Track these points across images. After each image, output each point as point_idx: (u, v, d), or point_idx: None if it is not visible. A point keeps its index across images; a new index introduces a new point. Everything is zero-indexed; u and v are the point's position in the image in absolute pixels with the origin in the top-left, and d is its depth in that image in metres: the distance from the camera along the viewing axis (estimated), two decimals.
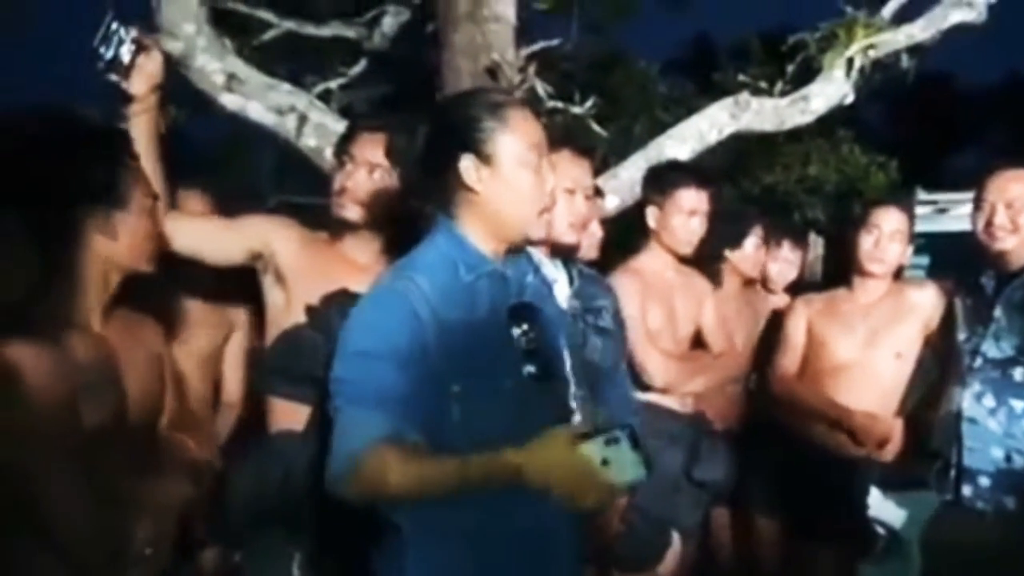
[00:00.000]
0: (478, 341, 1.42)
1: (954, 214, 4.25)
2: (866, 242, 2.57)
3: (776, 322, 2.82)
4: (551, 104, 4.30)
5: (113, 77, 1.87)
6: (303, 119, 3.14)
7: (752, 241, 2.99)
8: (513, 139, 1.43)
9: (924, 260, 3.53)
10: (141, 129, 1.84)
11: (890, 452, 2.53)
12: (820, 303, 2.69)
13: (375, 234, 2.00)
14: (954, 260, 2.54)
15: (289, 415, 1.92)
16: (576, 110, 4.60)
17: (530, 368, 1.43)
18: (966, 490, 2.17)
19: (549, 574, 1.46)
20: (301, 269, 1.99)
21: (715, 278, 2.88)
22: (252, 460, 2.05)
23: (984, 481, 2.15)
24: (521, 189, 1.44)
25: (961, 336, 2.28)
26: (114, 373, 1.49)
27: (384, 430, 1.35)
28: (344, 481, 1.37)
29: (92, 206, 1.49)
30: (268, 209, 2.68)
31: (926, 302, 2.50)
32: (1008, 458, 2.13)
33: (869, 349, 2.56)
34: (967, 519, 2.20)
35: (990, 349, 2.20)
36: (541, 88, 3.99)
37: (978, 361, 2.21)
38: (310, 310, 1.92)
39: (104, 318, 1.53)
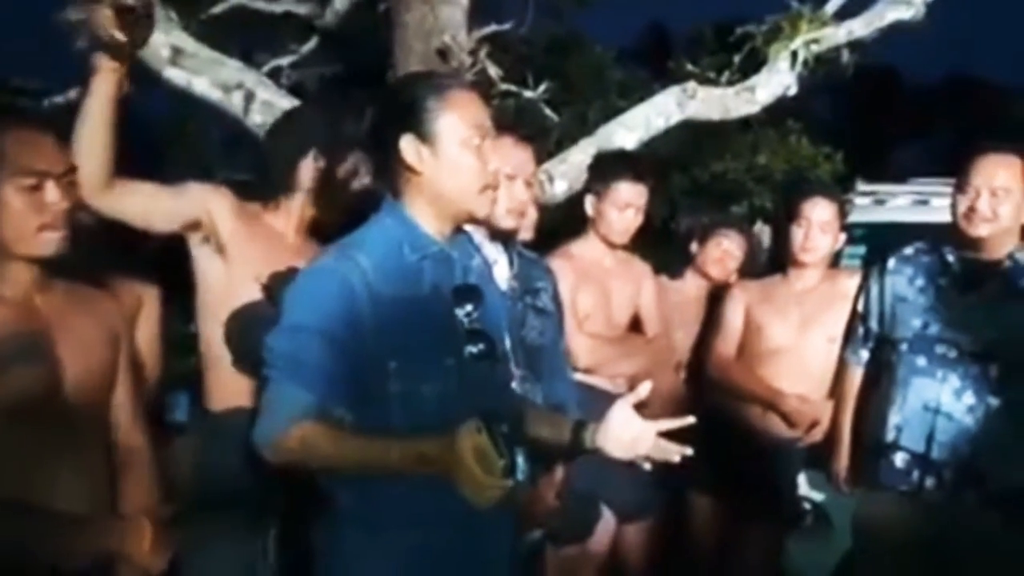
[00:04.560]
0: (419, 320, 1.45)
1: (891, 205, 4.37)
2: (797, 234, 2.64)
3: (715, 308, 2.89)
4: (504, 87, 4.31)
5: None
6: (250, 96, 3.11)
7: (718, 242, 3.05)
8: (455, 120, 1.45)
9: (861, 250, 3.63)
10: (104, 92, 1.78)
11: (819, 433, 2.62)
12: (757, 289, 2.76)
13: (302, 211, 2.05)
14: (892, 250, 2.61)
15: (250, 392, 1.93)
16: (529, 94, 4.62)
17: (473, 348, 1.47)
18: (928, 483, 2.19)
19: (486, 547, 1.49)
20: (241, 240, 2.00)
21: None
22: (213, 438, 2.06)
23: (948, 475, 2.18)
24: (462, 169, 1.46)
25: (916, 322, 2.28)
26: (45, 345, 1.48)
27: (310, 405, 1.40)
28: (267, 451, 1.43)
29: None
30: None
31: (857, 289, 2.57)
32: (977, 454, 2.16)
33: (802, 334, 2.64)
34: (893, 500, 2.28)
35: (966, 341, 2.20)
36: (493, 71, 3.99)
37: (952, 352, 2.21)
38: (266, 287, 1.94)
39: (42, 291, 1.51)
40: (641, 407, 2.63)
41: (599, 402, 2.43)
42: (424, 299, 1.47)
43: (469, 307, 1.48)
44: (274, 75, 3.74)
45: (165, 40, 3.00)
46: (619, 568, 2.69)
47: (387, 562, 1.44)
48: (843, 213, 2.71)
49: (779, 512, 2.65)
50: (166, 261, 2.17)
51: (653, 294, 2.71)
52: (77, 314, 1.55)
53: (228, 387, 2.03)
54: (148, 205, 1.93)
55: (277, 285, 1.88)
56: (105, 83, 1.76)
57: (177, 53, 3.03)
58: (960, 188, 2.24)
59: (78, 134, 1.76)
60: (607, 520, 2.59)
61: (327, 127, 2.15)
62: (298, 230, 2.12)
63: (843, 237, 2.73)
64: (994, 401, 2.16)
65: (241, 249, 2.00)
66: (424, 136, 1.46)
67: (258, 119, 3.11)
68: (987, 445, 2.15)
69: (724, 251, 3.06)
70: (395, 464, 1.37)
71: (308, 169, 2.10)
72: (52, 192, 1.46)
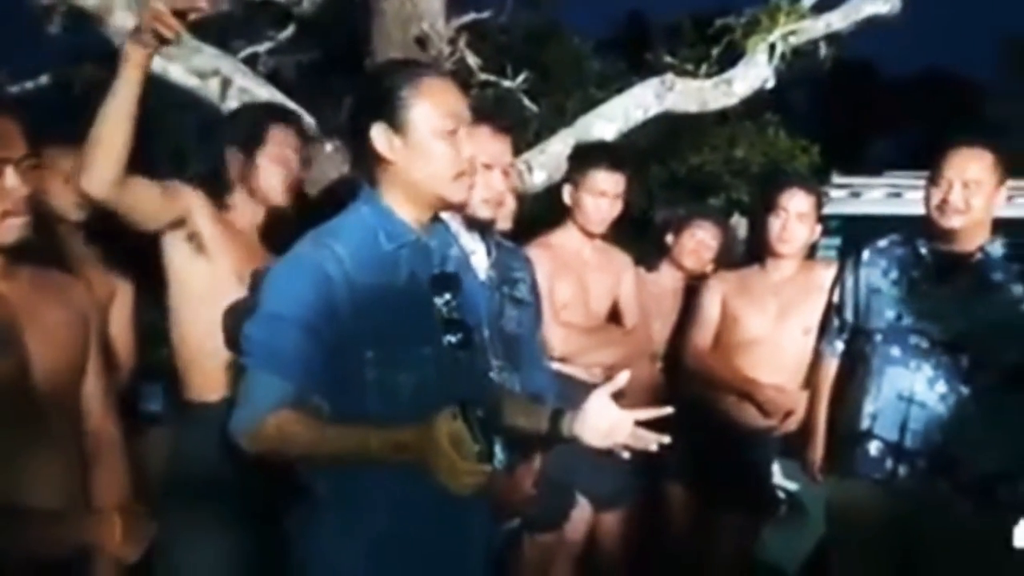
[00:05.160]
0: (396, 309, 1.45)
1: (867, 198, 4.42)
2: (774, 224, 2.66)
3: (692, 299, 2.90)
4: (482, 77, 4.29)
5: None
6: (227, 83, 3.07)
7: (693, 233, 3.06)
8: (427, 108, 1.45)
9: (837, 241, 3.66)
10: (134, 83, 1.77)
11: (794, 423, 2.64)
12: (734, 280, 2.78)
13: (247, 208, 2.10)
14: (866, 242, 2.63)
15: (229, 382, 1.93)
16: (508, 84, 4.61)
17: (451, 337, 1.47)
18: (902, 471, 2.23)
19: (462, 534, 1.49)
20: (220, 239, 2.02)
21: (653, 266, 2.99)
22: (190, 428, 2.05)
23: (921, 463, 2.21)
24: (434, 157, 1.46)
25: (890, 313, 2.31)
26: (11, 334, 1.46)
27: (287, 393, 1.40)
28: (244, 439, 1.43)
29: None
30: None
31: (832, 281, 2.60)
32: (949, 442, 2.20)
33: (778, 325, 2.66)
34: (867, 488, 2.31)
35: (938, 332, 2.23)
36: (472, 60, 3.98)
37: (925, 343, 2.25)
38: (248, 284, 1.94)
39: (7, 278, 1.49)
40: (618, 397, 2.65)
41: (575, 392, 2.46)
42: (401, 288, 1.47)
43: (447, 296, 1.48)
44: (251, 62, 3.69)
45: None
46: (595, 556, 2.71)
47: (363, 548, 1.45)
48: (820, 205, 2.73)
49: (754, 501, 2.68)
50: (142, 252, 2.16)
51: (633, 286, 2.72)
52: (44, 301, 1.53)
53: (208, 378, 2.02)
54: (147, 202, 1.94)
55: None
56: (136, 74, 1.75)
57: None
58: (933, 181, 2.27)
59: (99, 126, 1.76)
60: (583, 508, 2.61)
61: (251, 124, 2.15)
62: (254, 227, 2.15)
63: (819, 229, 2.75)
64: (965, 390, 2.19)
65: (222, 247, 2.04)
66: (396, 125, 1.46)
67: (235, 106, 3.07)
68: (959, 433, 2.18)
69: (699, 242, 3.08)
70: (373, 452, 1.37)
71: (234, 167, 2.12)
72: (12, 178, 1.44)
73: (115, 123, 1.76)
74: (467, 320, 1.51)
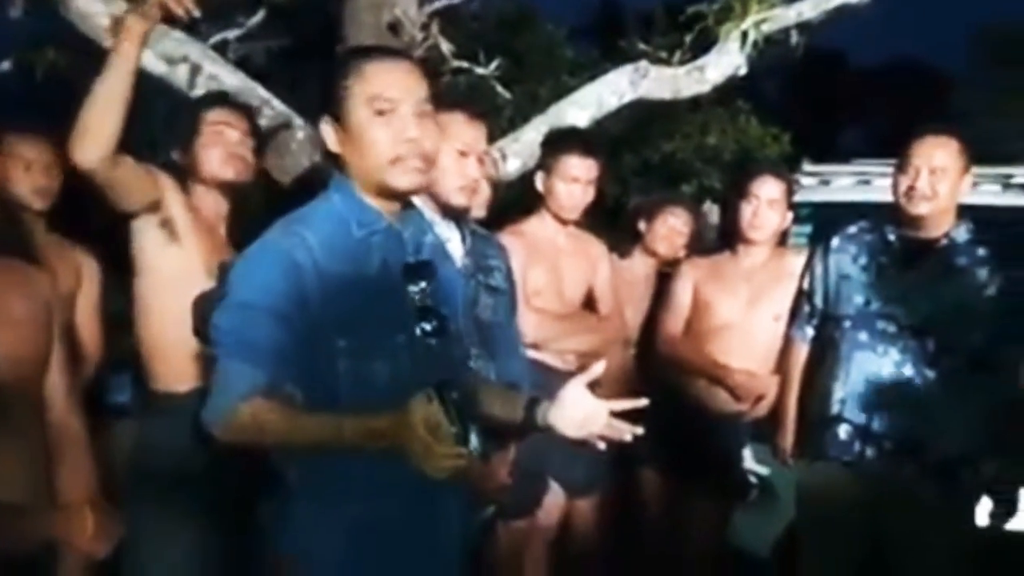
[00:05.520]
0: (368, 297, 1.44)
1: (836, 186, 4.46)
2: (746, 211, 2.68)
3: (664, 285, 2.92)
4: (455, 64, 4.26)
5: None
6: (196, 69, 3.02)
7: (665, 219, 3.06)
8: (359, 95, 1.43)
9: (807, 229, 3.69)
10: (133, 54, 1.77)
11: (765, 408, 2.67)
12: (705, 267, 2.80)
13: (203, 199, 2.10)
14: (836, 229, 2.66)
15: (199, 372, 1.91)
16: (481, 71, 4.58)
17: (425, 325, 1.46)
18: (870, 453, 2.27)
19: (437, 521, 1.49)
20: (193, 230, 2.00)
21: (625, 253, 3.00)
22: (160, 419, 2.03)
23: (889, 446, 2.25)
24: (366, 143, 1.44)
25: (859, 299, 2.34)
26: None
27: (259, 382, 1.39)
28: (217, 429, 1.42)
29: None
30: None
31: (803, 267, 2.62)
32: (915, 425, 2.23)
33: (750, 311, 2.68)
34: (836, 470, 2.34)
35: (905, 317, 2.27)
36: (445, 46, 3.95)
37: (892, 327, 2.28)
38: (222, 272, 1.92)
39: None
40: (593, 385, 2.65)
41: (549, 379, 2.46)
42: (373, 276, 1.45)
43: (421, 284, 1.47)
44: (221, 48, 3.64)
45: (104, 9, 2.89)
46: (569, 543, 2.72)
47: (337, 536, 1.44)
48: (791, 192, 2.75)
49: (726, 486, 2.70)
50: (108, 240, 2.13)
51: (608, 273, 2.72)
52: (6, 292, 1.49)
53: (175, 368, 2.00)
54: (132, 180, 1.93)
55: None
56: (134, 49, 1.74)
57: (117, 23, 2.93)
58: (901, 168, 2.30)
59: (93, 99, 1.74)
60: (557, 495, 2.62)
61: (188, 119, 2.16)
62: (220, 218, 2.14)
63: (791, 216, 2.77)
64: (931, 374, 2.23)
65: (193, 236, 2.03)
66: (338, 117, 1.45)
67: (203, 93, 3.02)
68: (925, 416, 2.22)
69: (671, 228, 3.09)
70: (348, 439, 1.36)
71: (183, 161, 2.12)
72: None
73: (110, 97, 1.75)
74: (442, 308, 1.50)
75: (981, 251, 2.30)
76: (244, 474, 1.78)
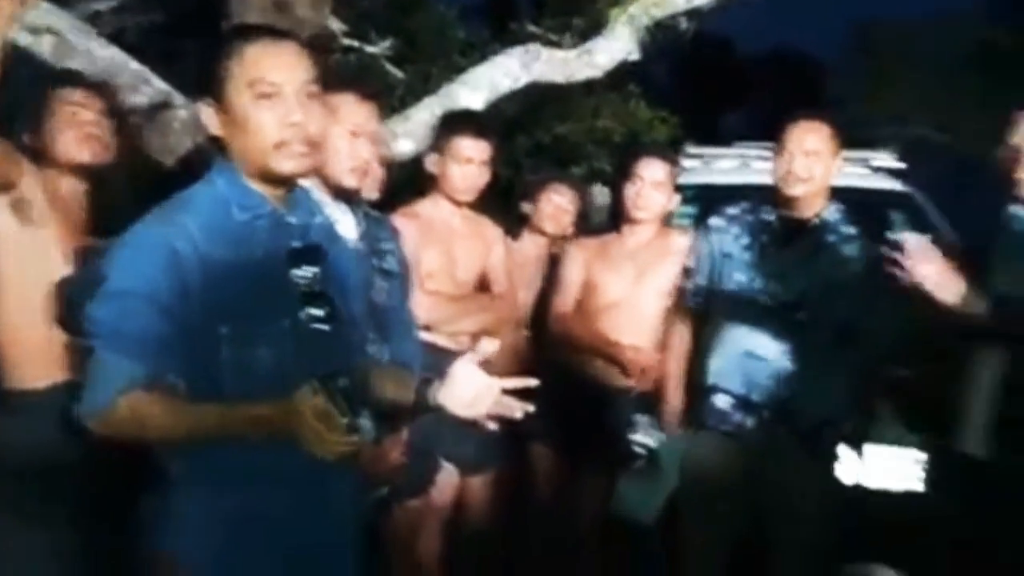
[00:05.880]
0: (251, 283, 1.40)
1: (719, 168, 4.64)
2: (631, 191, 2.75)
3: (555, 265, 2.96)
4: (346, 43, 4.19)
5: None
6: (63, 42, 2.86)
7: (549, 197, 3.09)
8: (240, 78, 1.40)
9: (691, 209, 3.82)
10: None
11: (652, 381, 2.77)
12: (593, 246, 2.86)
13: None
14: (719, 210, 2.76)
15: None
16: (372, 50, 4.52)
17: (313, 311, 1.43)
18: (748, 423, 2.38)
19: (327, 505, 1.48)
20: (50, 213, 1.91)
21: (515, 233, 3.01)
22: (16, 417, 1.92)
23: (765, 415, 2.37)
24: (249, 127, 1.41)
25: (739, 277, 2.45)
26: None
27: (137, 374, 1.35)
28: (95, 424, 1.37)
29: None
30: None
31: (687, 247, 2.72)
32: (789, 394, 2.35)
33: (636, 288, 2.76)
34: (717, 440, 2.46)
35: (781, 292, 2.38)
36: (336, 25, 3.88)
37: (769, 303, 2.39)
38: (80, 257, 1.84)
39: None
40: (485, 365, 2.68)
41: (442, 361, 2.47)
42: (256, 261, 1.42)
43: (309, 269, 1.44)
44: (93, 20, 3.45)
45: None
46: (464, 520, 2.76)
47: (224, 527, 1.41)
48: (676, 173, 2.84)
49: (614, 458, 2.78)
50: None
51: (502, 255, 2.74)
52: None
53: (32, 363, 1.91)
54: None
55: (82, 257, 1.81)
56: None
57: None
58: (778, 152, 2.42)
59: None
60: (450, 474, 2.65)
61: (36, 99, 2.06)
62: (77, 202, 2.05)
63: (677, 197, 2.87)
64: (803, 345, 2.36)
65: (48, 219, 1.92)
66: (219, 99, 1.42)
67: (73, 67, 2.87)
68: (797, 385, 2.35)
69: (556, 206, 3.09)
70: (234, 428, 1.34)
71: (35, 144, 2.02)
72: None
73: None
74: (332, 293, 1.48)
75: (849, 230, 2.45)
76: (115, 471, 1.71)
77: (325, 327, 1.43)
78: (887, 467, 2.86)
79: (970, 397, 2.10)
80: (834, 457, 2.47)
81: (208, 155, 1.56)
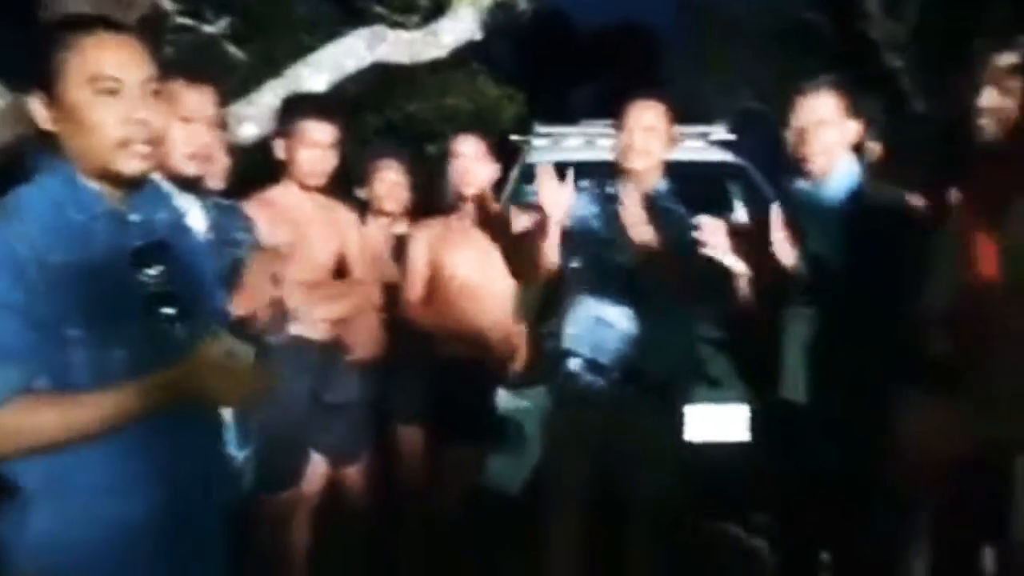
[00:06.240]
0: (97, 284, 1.35)
1: (567, 146, 4.79)
2: (455, 169, 2.82)
3: (403, 250, 2.91)
4: (179, 21, 4.02)
5: None
6: None
7: (382, 176, 2.99)
8: (84, 72, 1.35)
9: None
10: None
11: (510, 354, 2.85)
12: (436, 228, 2.88)
13: None
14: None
15: None
16: (209, 29, 4.35)
17: (165, 310, 1.39)
18: (600, 384, 2.50)
19: (191, 507, 1.44)
20: None
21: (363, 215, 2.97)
22: None
23: (615, 376, 2.49)
24: (87, 125, 1.36)
25: (587, 247, 2.54)
26: None
27: (14, 382, 1.29)
28: None
29: None
30: None
31: (531, 223, 2.80)
32: (636, 354, 2.48)
33: (484, 267, 2.81)
34: (573, 402, 2.58)
35: (626, 259, 2.51)
36: (167, 4, 3.71)
37: (614, 270, 2.51)
38: None
39: None
40: (346, 351, 2.68)
41: (296, 348, 2.45)
42: (98, 263, 1.36)
43: (155, 268, 1.39)
44: None
45: None
46: (337, 509, 2.76)
47: (84, 539, 1.35)
48: (497, 147, 2.88)
49: (481, 433, 2.85)
50: None
51: (357, 239, 2.73)
52: None
53: None
54: None
55: None
56: None
57: None
58: (619, 129, 2.56)
59: None
60: (318, 464, 2.64)
61: None
62: None
63: (497, 168, 2.89)
64: (646, 308, 2.52)
65: None
66: (50, 93, 1.36)
67: None
68: (643, 346, 2.51)
69: (391, 184, 3.00)
70: (134, 406, 1.31)
71: None
72: None
73: None
74: (182, 290, 1.43)
75: (678, 202, 2.62)
76: None
77: (179, 326, 1.40)
78: (719, 421, 3.11)
79: (786, 351, 2.30)
80: (679, 413, 2.65)
81: (33, 148, 1.48)
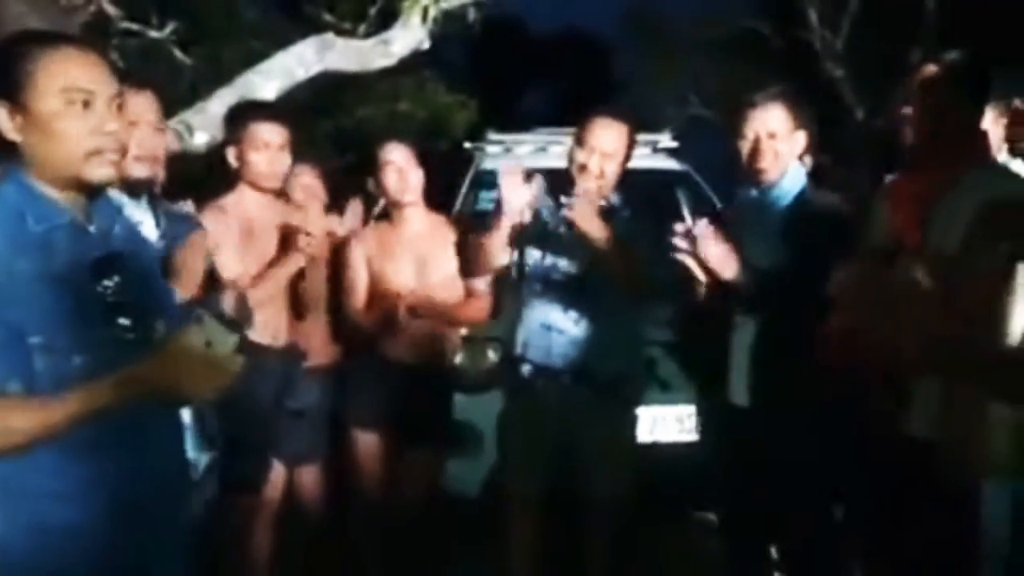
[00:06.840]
0: (57, 294, 1.36)
1: (519, 154, 4.82)
2: (387, 178, 2.77)
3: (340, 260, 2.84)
4: (124, 26, 3.96)
5: None
6: None
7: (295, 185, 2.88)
8: (55, 85, 1.36)
9: (495, 194, 3.95)
10: None
11: (470, 322, 2.83)
12: (372, 238, 2.84)
13: None
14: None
15: None
16: (155, 34, 4.29)
17: (121, 321, 1.41)
18: (551, 388, 2.54)
19: (151, 512, 1.45)
20: None
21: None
22: None
23: (567, 379, 2.54)
24: (57, 136, 1.38)
25: (537, 254, 2.60)
26: None
27: None
28: None
29: None
30: None
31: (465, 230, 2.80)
32: (585, 356, 2.53)
33: (423, 276, 2.79)
34: (527, 406, 2.61)
35: (573, 266, 2.55)
36: (110, 9, 3.66)
37: (560, 277, 2.55)
38: None
39: None
40: (302, 356, 2.67)
41: (257, 356, 2.43)
42: (58, 272, 1.37)
43: (111, 278, 1.40)
44: None
45: None
46: (297, 513, 2.75)
47: (32, 546, 1.35)
48: (418, 155, 2.82)
49: (439, 437, 2.86)
50: None
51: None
52: None
53: None
54: None
55: None
56: None
57: None
58: (578, 143, 2.57)
59: None
60: (277, 469, 2.64)
61: None
62: None
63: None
64: (593, 311, 2.57)
65: None
66: (17, 103, 1.37)
67: None
68: (592, 347, 2.56)
69: (306, 188, 2.93)
70: (107, 399, 1.32)
71: None
72: None
73: None
74: (138, 300, 1.44)
75: (628, 211, 2.66)
76: None
77: (136, 335, 1.41)
78: (667, 421, 3.17)
79: (732, 355, 2.37)
80: (630, 411, 2.70)
81: None
